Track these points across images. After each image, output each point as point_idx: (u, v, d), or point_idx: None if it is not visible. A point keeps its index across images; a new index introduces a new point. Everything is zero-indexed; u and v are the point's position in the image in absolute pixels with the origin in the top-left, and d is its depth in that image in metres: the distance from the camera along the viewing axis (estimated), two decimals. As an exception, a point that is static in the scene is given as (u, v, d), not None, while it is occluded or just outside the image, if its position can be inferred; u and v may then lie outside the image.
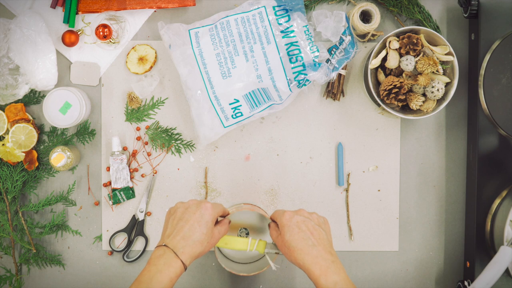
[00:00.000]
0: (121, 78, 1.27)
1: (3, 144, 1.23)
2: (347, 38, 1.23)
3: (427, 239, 1.29)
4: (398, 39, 1.18)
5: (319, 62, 1.22)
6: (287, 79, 1.21)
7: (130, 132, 1.27)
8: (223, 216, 1.10)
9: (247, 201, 1.28)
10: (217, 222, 1.06)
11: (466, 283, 1.23)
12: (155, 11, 1.27)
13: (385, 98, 1.18)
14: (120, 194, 1.26)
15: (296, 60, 1.21)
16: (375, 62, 1.19)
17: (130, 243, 1.27)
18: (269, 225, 1.10)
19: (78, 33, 1.25)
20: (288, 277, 1.29)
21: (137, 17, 1.26)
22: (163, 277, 0.94)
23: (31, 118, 1.25)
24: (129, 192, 1.27)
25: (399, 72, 1.20)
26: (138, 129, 1.27)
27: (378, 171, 1.28)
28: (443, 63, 1.19)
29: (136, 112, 1.27)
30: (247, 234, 1.22)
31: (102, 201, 1.28)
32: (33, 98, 1.26)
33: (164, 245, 0.98)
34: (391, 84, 1.17)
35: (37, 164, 1.25)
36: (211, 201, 1.28)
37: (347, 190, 1.28)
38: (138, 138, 1.27)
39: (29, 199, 1.28)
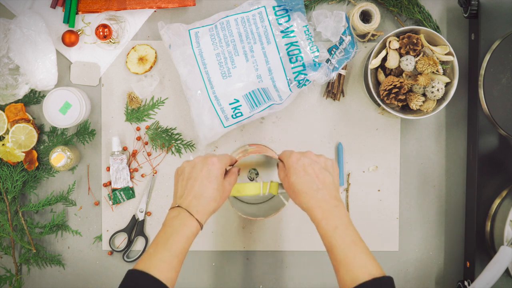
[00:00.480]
0: (121, 78, 1.27)
1: (3, 144, 1.23)
2: (347, 38, 1.23)
3: (427, 239, 1.29)
4: (398, 39, 1.18)
5: (319, 62, 1.22)
6: (287, 79, 1.21)
7: (130, 132, 1.27)
8: (232, 165, 1.08)
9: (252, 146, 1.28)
10: (226, 173, 1.04)
11: (466, 283, 1.23)
12: (155, 11, 1.27)
13: (385, 98, 1.18)
14: (120, 194, 1.26)
15: (296, 60, 1.21)
16: (375, 62, 1.19)
17: (130, 243, 1.27)
18: (277, 164, 1.08)
19: (78, 33, 1.25)
20: (288, 277, 1.29)
21: (137, 17, 1.26)
22: (179, 237, 0.93)
23: (31, 118, 1.25)
24: (129, 192, 1.27)
25: (399, 72, 1.20)
26: (138, 129, 1.27)
27: (378, 171, 1.28)
28: (443, 63, 1.19)
29: (136, 112, 1.27)
30: (257, 174, 1.23)
31: (102, 201, 1.28)
32: (33, 98, 1.26)
33: (178, 206, 0.97)
34: (391, 84, 1.17)
35: (37, 164, 1.25)
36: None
37: (347, 190, 1.28)
38: (138, 138, 1.27)
39: (29, 199, 1.28)
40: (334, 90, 1.26)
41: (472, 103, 1.24)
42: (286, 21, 1.21)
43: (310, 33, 1.21)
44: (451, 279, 1.30)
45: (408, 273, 1.30)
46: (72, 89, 1.21)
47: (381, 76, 1.21)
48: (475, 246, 1.21)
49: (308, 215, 0.97)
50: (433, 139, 1.29)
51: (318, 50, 1.21)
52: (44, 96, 1.25)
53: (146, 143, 1.28)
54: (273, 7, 1.21)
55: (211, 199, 0.97)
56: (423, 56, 1.18)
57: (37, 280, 1.28)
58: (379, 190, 1.28)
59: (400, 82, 1.17)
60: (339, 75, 1.26)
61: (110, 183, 1.27)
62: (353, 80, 1.28)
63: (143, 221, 1.27)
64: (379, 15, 1.22)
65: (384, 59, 1.19)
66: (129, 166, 1.27)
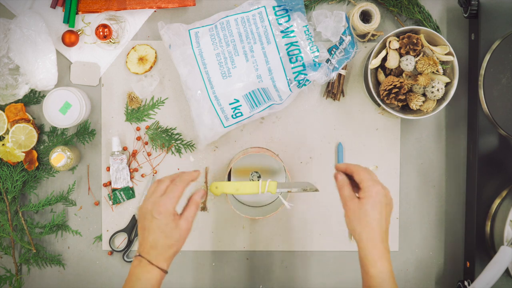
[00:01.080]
0: (121, 78, 1.27)
1: (3, 144, 1.23)
2: (347, 38, 1.23)
3: (427, 239, 1.29)
4: (398, 39, 1.18)
5: (319, 62, 1.22)
6: (287, 79, 1.21)
7: (130, 132, 1.27)
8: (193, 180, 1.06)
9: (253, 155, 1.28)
10: (186, 204, 1.03)
11: (466, 283, 1.23)
12: (155, 11, 1.27)
13: (385, 98, 1.18)
14: (120, 194, 1.26)
15: (296, 60, 1.21)
16: (375, 62, 1.19)
17: (130, 243, 1.27)
18: (335, 176, 1.03)
19: (78, 33, 1.25)
20: (288, 277, 1.29)
21: (137, 17, 1.26)
22: (143, 284, 0.96)
23: (31, 118, 1.25)
24: (129, 192, 1.27)
25: (399, 72, 1.20)
26: (138, 129, 1.27)
27: (378, 171, 1.28)
28: (443, 63, 1.19)
29: (136, 112, 1.27)
30: (259, 177, 1.23)
31: (102, 201, 1.28)
32: (33, 98, 1.26)
33: (139, 255, 0.98)
34: (391, 84, 1.17)
35: (37, 164, 1.25)
36: (214, 204, 1.28)
37: (347, 190, 1.28)
38: (138, 138, 1.27)
39: (29, 199, 1.28)
40: (334, 90, 1.26)
41: (472, 103, 1.24)
42: (286, 21, 1.21)
43: (310, 33, 1.21)
44: (451, 279, 1.30)
45: (408, 273, 1.30)
46: (72, 89, 1.21)
47: (381, 76, 1.21)
48: (475, 246, 1.21)
49: (361, 248, 0.97)
50: (433, 139, 1.29)
51: (318, 50, 1.21)
52: (44, 96, 1.25)
53: (146, 143, 1.28)
54: (273, 7, 1.21)
55: (166, 247, 0.98)
56: (423, 56, 1.18)
57: (37, 280, 1.28)
58: (379, 190, 1.28)
59: (400, 82, 1.17)
60: (339, 75, 1.26)
61: (110, 183, 1.27)
62: (353, 80, 1.28)
63: (143, 221, 1.27)
64: (379, 15, 1.22)
65: (384, 59, 1.19)
66: (129, 166, 1.27)
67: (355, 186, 1.01)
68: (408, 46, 1.17)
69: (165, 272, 0.98)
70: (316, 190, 1.12)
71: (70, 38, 1.23)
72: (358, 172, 1.00)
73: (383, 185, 0.99)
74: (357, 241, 0.97)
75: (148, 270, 0.97)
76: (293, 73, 1.21)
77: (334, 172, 1.03)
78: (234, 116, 1.21)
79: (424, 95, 1.19)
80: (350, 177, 1.02)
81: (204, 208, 1.28)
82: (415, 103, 1.18)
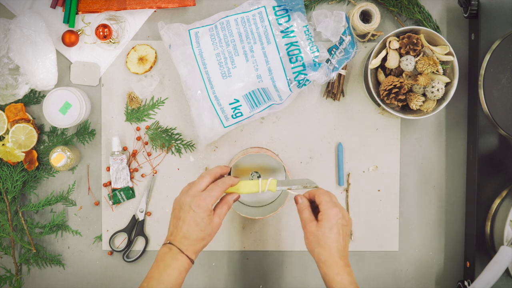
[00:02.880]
0: (121, 78, 1.27)
1: (3, 144, 1.23)
2: (347, 38, 1.23)
3: (427, 239, 1.29)
4: (398, 39, 1.18)
5: (319, 62, 1.22)
6: (287, 79, 1.21)
7: (130, 132, 1.27)
8: (224, 175, 1.10)
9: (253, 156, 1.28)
10: (219, 202, 1.07)
11: (466, 283, 1.23)
12: (155, 11, 1.27)
13: (385, 98, 1.18)
14: (120, 194, 1.26)
15: (296, 60, 1.21)
16: (375, 62, 1.19)
17: (130, 243, 1.27)
18: (295, 199, 1.09)
19: (78, 33, 1.25)
20: (288, 277, 1.29)
21: (137, 17, 1.26)
22: (172, 271, 1.00)
23: (31, 118, 1.25)
24: (129, 192, 1.27)
25: (399, 72, 1.20)
26: (138, 129, 1.27)
27: (378, 171, 1.28)
28: (443, 63, 1.19)
29: (136, 112, 1.27)
30: (259, 177, 1.24)
31: (102, 201, 1.28)
32: (33, 98, 1.26)
33: (169, 243, 1.02)
34: (391, 84, 1.17)
35: (37, 164, 1.25)
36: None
37: (347, 190, 1.28)
38: (138, 138, 1.27)
39: (29, 199, 1.28)
40: (334, 90, 1.26)
41: (472, 103, 1.24)
42: (286, 21, 1.21)
43: (310, 33, 1.21)
44: (451, 279, 1.30)
45: (408, 273, 1.30)
46: (72, 89, 1.21)
47: (381, 76, 1.21)
48: (475, 246, 1.21)
49: (321, 267, 1.02)
50: (433, 139, 1.29)
51: (318, 50, 1.21)
52: (44, 96, 1.25)
53: (146, 143, 1.28)
54: (273, 7, 1.21)
55: (199, 239, 1.02)
56: (423, 56, 1.18)
57: (37, 280, 1.28)
58: (379, 190, 1.28)
59: (400, 82, 1.17)
60: (339, 75, 1.26)
61: (110, 183, 1.27)
62: (353, 80, 1.28)
63: (143, 221, 1.27)
64: (379, 15, 1.22)
65: (384, 59, 1.19)
66: (129, 166, 1.27)
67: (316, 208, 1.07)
68: (408, 46, 1.17)
69: (193, 262, 1.02)
70: (316, 187, 1.12)
71: (70, 38, 1.23)
72: (319, 195, 1.06)
73: (341, 207, 1.04)
74: (316, 261, 1.03)
75: (178, 258, 1.01)
76: (293, 73, 1.21)
77: (295, 195, 1.09)
78: (234, 116, 1.21)
79: (424, 95, 1.19)
80: (312, 201, 1.08)
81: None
82: (415, 103, 1.18)
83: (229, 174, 1.25)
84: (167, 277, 0.99)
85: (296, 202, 1.08)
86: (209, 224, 1.03)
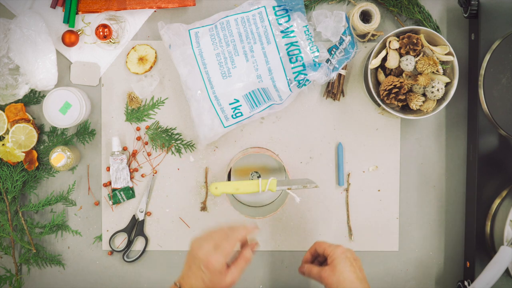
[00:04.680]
0: (121, 78, 1.27)
1: (3, 144, 1.23)
2: (347, 38, 1.23)
3: (427, 239, 1.29)
4: (398, 39, 1.18)
5: (319, 62, 1.22)
6: (287, 79, 1.21)
7: (130, 132, 1.27)
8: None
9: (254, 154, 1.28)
10: (237, 257, 1.05)
11: (466, 283, 1.23)
12: (155, 11, 1.27)
13: (385, 98, 1.18)
14: (120, 194, 1.26)
15: (296, 60, 1.21)
16: (375, 62, 1.19)
17: (130, 243, 1.27)
18: (300, 271, 1.12)
19: (78, 33, 1.25)
20: (288, 277, 1.29)
21: (137, 17, 1.26)
22: None
23: (31, 118, 1.25)
24: (129, 192, 1.27)
25: (399, 72, 1.20)
26: (138, 129, 1.27)
27: (378, 171, 1.28)
28: (443, 63, 1.19)
29: (136, 112, 1.27)
30: (259, 177, 1.24)
31: (102, 201, 1.28)
32: (33, 98, 1.26)
33: (178, 285, 1.02)
34: (391, 84, 1.17)
35: (37, 164, 1.25)
36: (214, 204, 1.28)
37: (347, 190, 1.28)
38: (138, 138, 1.27)
39: (29, 199, 1.28)
40: (334, 90, 1.26)
41: (472, 103, 1.24)
42: (286, 21, 1.21)
43: (310, 33, 1.21)
44: (451, 279, 1.30)
45: (408, 273, 1.30)
46: (72, 89, 1.21)
47: (381, 76, 1.21)
48: (475, 246, 1.21)
49: None
50: (433, 139, 1.29)
51: (318, 50, 1.21)
52: (44, 96, 1.25)
53: (146, 143, 1.28)
54: (273, 7, 1.21)
55: None
56: (423, 56, 1.18)
57: (37, 280, 1.28)
58: (379, 190, 1.28)
59: (400, 82, 1.17)
60: (339, 75, 1.26)
61: (110, 183, 1.27)
62: (353, 80, 1.28)
63: (143, 221, 1.27)
64: (379, 15, 1.22)
65: (384, 59, 1.19)
66: (129, 166, 1.27)
67: (322, 261, 1.12)
68: (408, 46, 1.17)
69: None
70: (316, 186, 1.12)
71: (70, 38, 1.23)
72: (319, 245, 1.11)
73: (343, 246, 1.08)
74: None
75: None
76: (293, 73, 1.21)
77: (298, 268, 1.13)
78: (234, 116, 1.21)
79: (424, 95, 1.19)
80: (316, 256, 1.13)
81: (204, 208, 1.28)
82: (415, 103, 1.18)
83: (229, 174, 1.26)
84: None
85: (303, 273, 1.12)
86: (220, 283, 1.00)
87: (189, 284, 1.01)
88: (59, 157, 1.20)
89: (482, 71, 1.17)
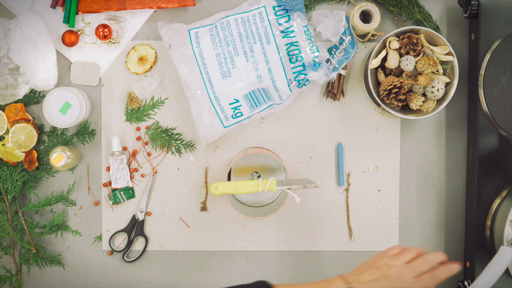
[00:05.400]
0: (121, 78, 1.27)
1: (3, 144, 1.23)
2: (347, 38, 1.23)
3: (427, 239, 1.29)
4: (398, 39, 1.18)
5: (319, 62, 1.22)
6: (287, 79, 1.21)
7: (130, 132, 1.27)
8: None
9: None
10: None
11: (466, 283, 1.23)
12: (155, 11, 1.27)
13: (385, 98, 1.18)
14: (120, 194, 1.26)
15: (296, 60, 1.21)
16: (375, 62, 1.19)
17: (130, 243, 1.27)
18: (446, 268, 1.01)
19: (78, 33, 1.25)
20: (288, 277, 1.29)
21: (137, 17, 1.26)
22: None
23: (31, 118, 1.25)
24: (129, 192, 1.27)
25: (399, 72, 1.20)
26: (138, 129, 1.27)
27: (378, 171, 1.28)
28: (443, 63, 1.19)
29: (136, 112, 1.27)
30: (259, 177, 1.24)
31: (102, 201, 1.28)
32: (33, 98, 1.26)
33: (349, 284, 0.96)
34: (391, 84, 1.17)
35: (37, 164, 1.25)
36: (214, 204, 1.28)
37: (347, 190, 1.28)
38: (138, 138, 1.27)
39: (29, 199, 1.28)
40: (334, 90, 1.26)
41: (472, 103, 1.24)
42: (286, 21, 1.21)
43: (310, 33, 1.21)
44: (451, 279, 1.30)
45: (408, 273, 1.29)
46: (72, 89, 1.21)
47: (381, 76, 1.21)
48: (475, 246, 1.21)
49: None
50: (433, 139, 1.29)
51: (318, 50, 1.21)
52: (44, 96, 1.25)
53: (146, 143, 1.28)
54: (273, 7, 1.21)
55: None
56: (423, 56, 1.18)
57: (37, 280, 1.28)
58: (379, 190, 1.28)
59: (400, 82, 1.17)
60: (339, 75, 1.26)
61: (110, 183, 1.27)
62: (353, 80, 1.28)
63: (143, 221, 1.27)
64: (379, 15, 1.22)
65: (384, 59, 1.19)
66: (129, 166, 1.27)
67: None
68: (408, 46, 1.17)
69: None
70: (316, 186, 1.12)
71: (70, 38, 1.23)
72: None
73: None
74: None
75: None
76: (293, 73, 1.21)
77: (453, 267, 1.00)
78: (234, 116, 1.21)
79: (424, 95, 1.19)
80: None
81: (204, 208, 1.28)
82: (415, 103, 1.18)
83: (229, 174, 1.26)
84: None
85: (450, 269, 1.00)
86: None
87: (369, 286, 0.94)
88: (59, 157, 1.20)
89: (482, 71, 1.17)
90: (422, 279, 0.95)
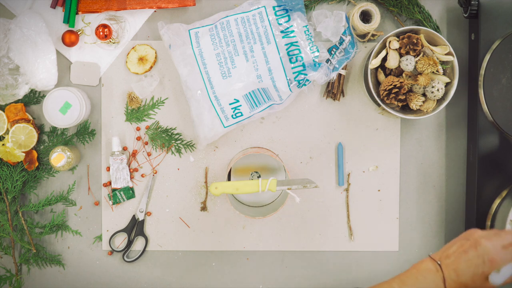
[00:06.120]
0: (121, 78, 1.27)
1: (3, 144, 1.23)
2: (347, 38, 1.23)
3: (427, 239, 1.29)
4: (398, 39, 1.18)
5: (319, 62, 1.22)
6: (287, 79, 1.21)
7: (130, 132, 1.27)
8: None
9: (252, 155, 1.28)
10: None
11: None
12: (155, 11, 1.27)
13: (385, 98, 1.18)
14: (120, 194, 1.26)
15: (296, 60, 1.21)
16: (375, 62, 1.19)
17: (130, 243, 1.27)
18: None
19: (78, 33, 1.25)
20: (288, 277, 1.29)
21: (137, 17, 1.26)
22: None
23: (31, 118, 1.25)
24: (129, 192, 1.27)
25: (399, 72, 1.20)
26: (138, 129, 1.27)
27: (378, 171, 1.28)
28: (443, 63, 1.19)
29: (136, 112, 1.27)
30: (259, 177, 1.24)
31: (102, 201, 1.28)
32: (33, 98, 1.26)
33: (439, 265, 0.95)
34: (391, 84, 1.17)
35: (37, 164, 1.25)
36: (214, 204, 1.28)
37: (347, 190, 1.28)
38: (138, 138, 1.27)
39: (29, 199, 1.28)
40: (334, 90, 1.26)
41: (472, 103, 1.24)
42: (286, 21, 1.21)
43: (310, 33, 1.21)
44: (451, 279, 1.30)
45: (408, 273, 1.29)
46: (72, 89, 1.21)
47: (381, 76, 1.21)
48: (475, 246, 1.21)
49: None
50: (433, 139, 1.29)
51: (318, 50, 1.21)
52: (44, 96, 1.25)
53: (146, 143, 1.28)
54: (273, 7, 1.21)
55: (465, 283, 0.93)
56: (423, 56, 1.18)
57: (37, 280, 1.28)
58: (379, 190, 1.28)
59: (400, 82, 1.17)
60: (339, 75, 1.26)
61: (110, 183, 1.27)
62: (353, 80, 1.28)
63: (143, 221, 1.27)
64: (379, 15, 1.22)
65: (384, 59, 1.19)
66: (129, 166, 1.27)
67: None
68: (408, 46, 1.17)
69: None
70: (316, 186, 1.12)
71: (70, 38, 1.23)
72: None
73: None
74: None
75: (437, 286, 0.93)
76: (293, 73, 1.21)
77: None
78: (234, 116, 1.21)
79: (424, 95, 1.19)
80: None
81: (204, 208, 1.28)
82: (415, 103, 1.18)
83: (229, 174, 1.26)
84: None
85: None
86: (483, 283, 0.93)
87: (455, 265, 0.93)
88: (59, 157, 1.20)
89: (482, 71, 1.17)
90: (511, 250, 0.93)
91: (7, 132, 1.24)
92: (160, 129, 1.27)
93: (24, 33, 1.18)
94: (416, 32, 1.18)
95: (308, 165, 1.28)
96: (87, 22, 1.26)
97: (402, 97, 1.18)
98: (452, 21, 1.28)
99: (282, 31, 1.21)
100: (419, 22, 1.25)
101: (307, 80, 1.21)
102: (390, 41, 1.18)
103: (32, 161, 1.24)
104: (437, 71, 1.18)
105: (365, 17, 1.25)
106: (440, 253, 0.97)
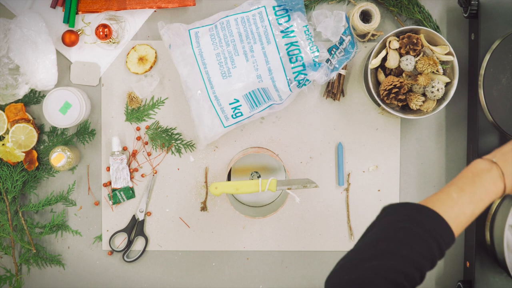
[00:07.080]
0: (121, 78, 1.27)
1: (3, 144, 1.23)
2: (347, 38, 1.23)
3: (427, 239, 1.29)
4: (398, 39, 1.18)
5: (319, 62, 1.22)
6: (287, 79, 1.21)
7: (130, 132, 1.27)
8: None
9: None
10: None
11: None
12: (155, 11, 1.27)
13: (385, 98, 1.18)
14: (120, 194, 1.26)
15: (296, 60, 1.21)
16: (375, 62, 1.19)
17: (130, 243, 1.27)
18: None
19: (78, 33, 1.25)
20: (288, 277, 1.29)
21: (137, 17, 1.26)
22: (488, 196, 0.88)
23: (31, 118, 1.25)
24: (129, 192, 1.27)
25: (399, 72, 1.20)
26: (138, 129, 1.27)
27: (378, 171, 1.28)
28: (443, 63, 1.19)
29: (136, 112, 1.27)
30: (259, 177, 1.24)
31: (102, 201, 1.28)
32: (33, 98, 1.26)
33: (494, 162, 0.90)
34: (391, 84, 1.17)
35: (37, 164, 1.25)
36: (214, 204, 1.28)
37: (347, 190, 1.28)
38: (138, 138, 1.27)
39: (29, 199, 1.28)
40: (334, 90, 1.26)
41: (472, 103, 1.24)
42: (286, 21, 1.21)
43: (310, 33, 1.21)
44: (451, 279, 1.30)
45: (408, 273, 1.29)
46: (72, 89, 1.21)
47: (381, 76, 1.21)
48: (475, 246, 1.21)
49: None
50: (433, 139, 1.29)
51: (318, 50, 1.21)
52: (44, 96, 1.25)
53: (146, 143, 1.28)
54: (273, 7, 1.21)
55: None
56: (423, 56, 1.18)
57: (37, 280, 1.28)
58: (379, 190, 1.28)
59: (400, 82, 1.17)
60: (339, 75, 1.26)
61: (110, 183, 1.27)
62: (353, 80, 1.28)
63: (143, 221, 1.27)
64: (379, 15, 1.22)
65: (384, 59, 1.19)
66: (129, 166, 1.27)
67: None
68: (408, 46, 1.17)
69: (503, 195, 0.90)
70: (316, 186, 1.12)
71: (70, 38, 1.23)
72: None
73: None
74: None
75: (497, 184, 0.88)
76: (293, 73, 1.21)
77: None
78: (234, 116, 1.21)
79: (424, 95, 1.19)
80: None
81: (204, 208, 1.28)
82: (415, 103, 1.18)
83: (229, 174, 1.26)
84: (481, 201, 0.87)
85: None
86: None
87: (510, 167, 0.88)
88: (59, 157, 1.20)
89: (482, 71, 1.17)
90: None
91: (7, 132, 1.24)
92: (160, 129, 1.27)
93: (24, 33, 1.18)
94: (416, 32, 1.18)
95: (308, 165, 1.28)
96: (87, 22, 1.26)
97: (402, 97, 1.18)
98: (452, 21, 1.28)
99: (282, 31, 1.21)
100: (419, 22, 1.25)
101: (307, 80, 1.21)
102: (390, 41, 1.18)
103: (32, 161, 1.24)
104: (437, 71, 1.18)
105: (365, 17, 1.25)
106: (494, 153, 0.92)
